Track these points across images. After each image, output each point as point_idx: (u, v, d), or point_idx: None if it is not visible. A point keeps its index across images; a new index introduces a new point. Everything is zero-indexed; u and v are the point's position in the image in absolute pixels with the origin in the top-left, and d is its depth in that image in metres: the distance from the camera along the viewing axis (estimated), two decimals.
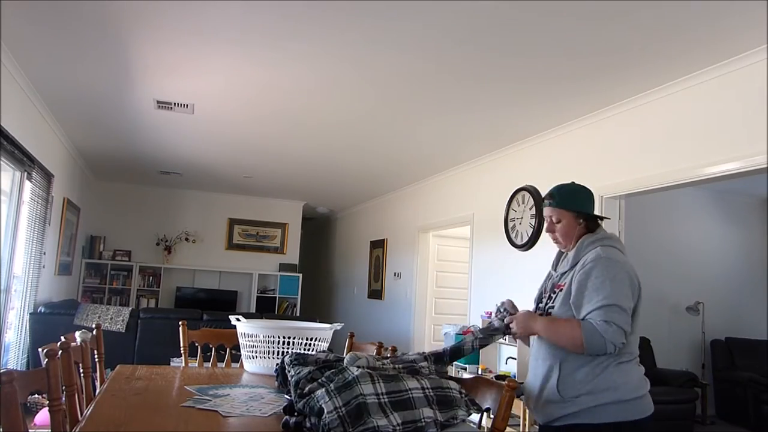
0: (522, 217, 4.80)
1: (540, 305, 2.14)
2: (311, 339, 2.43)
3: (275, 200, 9.12)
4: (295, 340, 2.37)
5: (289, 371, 1.76)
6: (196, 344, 3.01)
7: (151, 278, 8.39)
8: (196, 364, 2.88)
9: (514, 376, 4.33)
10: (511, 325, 2.07)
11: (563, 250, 2.16)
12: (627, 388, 1.87)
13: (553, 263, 2.21)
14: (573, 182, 2.23)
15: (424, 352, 1.99)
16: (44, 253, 5.28)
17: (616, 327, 1.80)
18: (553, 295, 2.05)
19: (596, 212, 2.18)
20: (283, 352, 2.33)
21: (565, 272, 2.05)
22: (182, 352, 2.94)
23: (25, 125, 4.19)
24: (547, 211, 2.15)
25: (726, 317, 6.20)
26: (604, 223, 2.15)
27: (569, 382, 1.89)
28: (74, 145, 6.02)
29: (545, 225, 2.18)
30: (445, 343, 4.90)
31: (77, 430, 1.45)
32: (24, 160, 4.22)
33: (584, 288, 1.90)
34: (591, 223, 2.12)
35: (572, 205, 2.10)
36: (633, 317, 1.89)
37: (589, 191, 2.19)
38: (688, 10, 2.55)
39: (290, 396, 1.66)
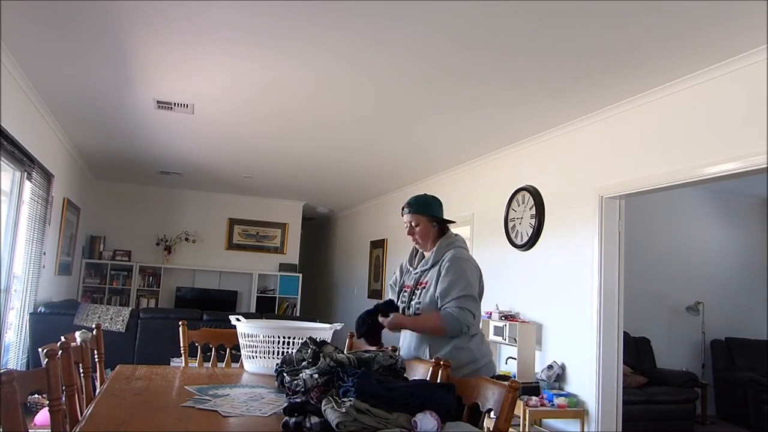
0: (522, 217, 4.80)
1: (403, 298, 2.59)
2: None
3: (275, 200, 9.11)
4: (295, 340, 2.37)
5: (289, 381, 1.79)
6: (196, 344, 3.01)
7: (151, 278, 8.39)
8: (196, 364, 2.88)
9: (514, 376, 4.33)
10: (385, 325, 2.51)
11: (421, 250, 2.64)
12: (481, 358, 2.43)
13: (408, 259, 2.71)
14: (425, 193, 2.72)
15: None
16: (44, 253, 5.28)
17: (468, 311, 2.37)
18: (418, 291, 2.53)
19: (446, 217, 2.65)
20: (283, 352, 2.33)
21: (426, 270, 2.53)
22: (182, 352, 2.94)
23: (25, 125, 4.19)
24: (406, 218, 2.62)
25: (726, 317, 6.19)
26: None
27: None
28: (74, 145, 6.02)
29: (406, 229, 2.64)
30: None
31: (77, 430, 1.45)
32: (24, 160, 4.22)
33: (445, 283, 2.41)
34: (442, 227, 2.61)
35: (426, 211, 2.59)
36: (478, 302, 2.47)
37: (439, 200, 2.66)
38: (689, 10, 2.55)
39: (290, 397, 1.67)
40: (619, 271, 3.90)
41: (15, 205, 4.33)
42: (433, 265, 2.50)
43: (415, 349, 2.49)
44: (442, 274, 2.43)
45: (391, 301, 2.63)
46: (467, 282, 2.41)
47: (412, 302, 2.53)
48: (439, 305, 2.41)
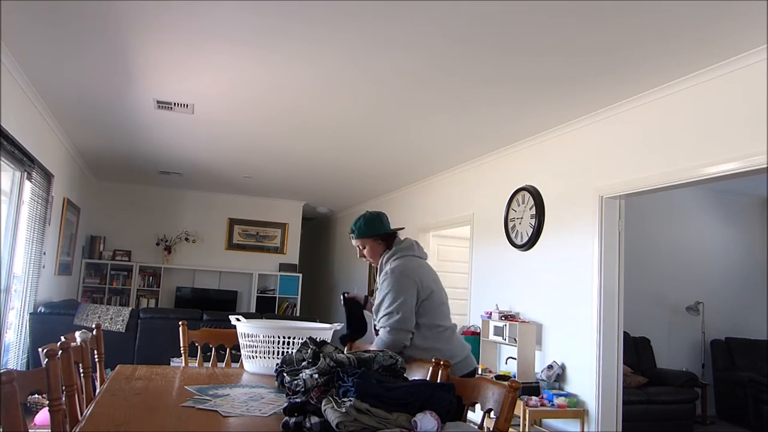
0: (522, 217, 4.80)
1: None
2: None
3: (275, 200, 9.12)
4: (295, 340, 2.37)
5: (291, 381, 1.79)
6: (196, 344, 3.01)
7: (151, 278, 8.39)
8: (196, 364, 2.88)
9: (514, 376, 4.33)
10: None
11: (376, 266, 2.69)
12: (454, 356, 2.40)
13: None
14: (366, 212, 2.72)
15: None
16: (44, 253, 5.28)
17: (397, 330, 2.39)
18: (374, 307, 2.57)
19: (394, 227, 2.70)
20: (283, 352, 2.33)
21: (378, 288, 2.58)
22: (182, 352, 2.94)
23: (25, 125, 4.19)
24: (354, 242, 2.70)
25: (726, 317, 6.20)
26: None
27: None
28: (74, 145, 6.02)
29: (357, 252, 2.72)
30: None
31: (77, 430, 1.45)
32: (24, 160, 4.22)
33: (377, 300, 2.49)
34: (389, 239, 2.65)
35: (368, 233, 2.64)
36: (427, 303, 2.47)
37: (380, 215, 2.68)
38: (688, 10, 2.55)
39: (290, 397, 1.66)
40: (619, 271, 3.90)
41: (15, 205, 4.33)
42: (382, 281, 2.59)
43: None
44: (378, 293, 2.52)
45: (354, 297, 2.81)
46: (394, 298, 2.43)
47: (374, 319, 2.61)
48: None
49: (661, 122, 3.50)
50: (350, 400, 1.45)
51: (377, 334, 2.51)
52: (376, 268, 2.73)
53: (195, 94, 4.13)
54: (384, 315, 2.44)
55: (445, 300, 2.62)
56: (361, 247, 2.69)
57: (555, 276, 4.35)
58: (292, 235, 9.23)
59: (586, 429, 3.89)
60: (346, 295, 2.81)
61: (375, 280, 2.77)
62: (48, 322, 5.12)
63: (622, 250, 3.93)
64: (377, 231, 2.64)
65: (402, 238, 2.69)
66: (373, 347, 2.44)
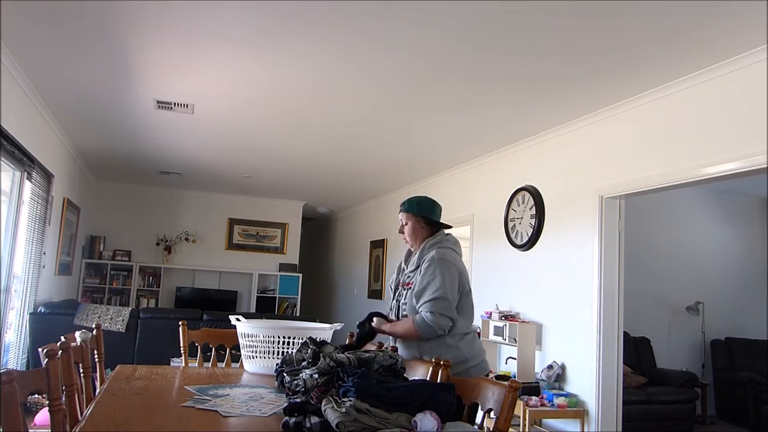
0: (522, 217, 4.80)
1: (399, 297, 2.61)
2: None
3: (275, 200, 9.12)
4: (295, 340, 2.37)
5: (291, 381, 1.79)
6: (196, 344, 3.01)
7: (151, 278, 8.39)
8: (196, 364, 2.88)
9: (514, 376, 4.33)
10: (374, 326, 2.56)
11: (411, 249, 2.66)
12: (472, 358, 2.42)
13: (404, 258, 2.71)
14: (426, 196, 2.73)
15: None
16: (44, 253, 5.27)
17: (440, 315, 2.35)
18: (405, 292, 2.55)
19: (444, 221, 2.68)
20: (283, 352, 2.33)
21: (413, 271, 2.54)
22: (182, 352, 2.94)
23: (25, 125, 4.19)
24: (399, 216, 2.68)
25: (726, 317, 6.19)
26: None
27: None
28: (74, 145, 6.02)
29: (398, 227, 2.69)
30: None
31: (77, 430, 1.45)
32: (24, 160, 4.22)
33: (421, 284, 2.43)
34: (433, 228, 2.62)
35: (417, 211, 2.61)
36: (463, 302, 2.46)
37: (435, 203, 2.68)
38: (688, 11, 2.55)
39: (290, 397, 1.66)
40: (619, 271, 3.90)
41: (15, 205, 4.33)
42: (418, 266, 2.52)
43: (406, 349, 2.51)
44: (420, 275, 2.45)
45: (379, 313, 2.66)
46: (442, 284, 2.38)
47: (401, 302, 2.57)
48: (416, 305, 2.43)
49: (661, 122, 3.50)
50: (350, 400, 1.45)
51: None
52: (409, 252, 2.68)
53: (195, 94, 4.13)
54: (430, 299, 2.37)
55: (473, 304, 2.58)
56: (404, 222, 2.63)
57: (555, 276, 4.35)
58: (292, 235, 9.23)
59: (586, 429, 3.89)
60: (373, 319, 2.61)
61: (403, 267, 2.70)
62: (48, 322, 5.12)
63: (622, 250, 3.93)
64: (426, 213, 2.61)
65: (446, 233, 2.64)
66: (408, 324, 2.40)
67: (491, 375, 4.56)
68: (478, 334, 5.03)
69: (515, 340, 4.39)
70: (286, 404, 1.63)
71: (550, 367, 4.22)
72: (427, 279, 2.41)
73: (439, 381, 1.91)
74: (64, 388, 1.78)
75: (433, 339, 2.40)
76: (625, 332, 3.98)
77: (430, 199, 2.69)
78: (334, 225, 10.80)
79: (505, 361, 4.73)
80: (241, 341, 2.47)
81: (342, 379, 1.60)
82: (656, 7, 2.54)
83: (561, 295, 4.26)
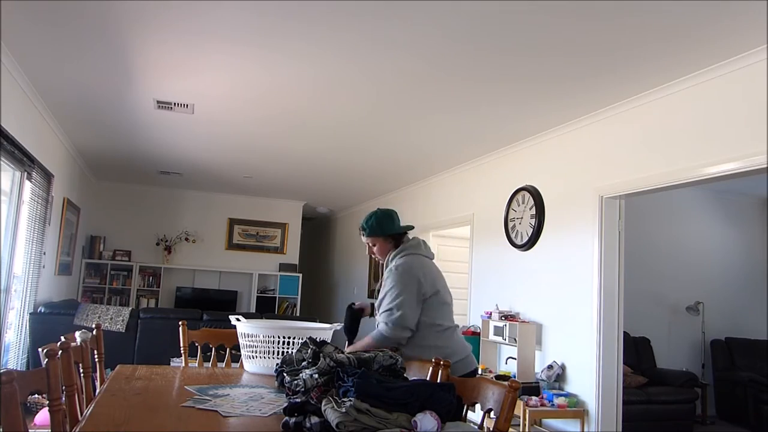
0: (522, 217, 4.80)
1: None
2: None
3: (275, 200, 9.12)
4: (295, 340, 2.37)
5: (291, 381, 1.79)
6: (196, 344, 3.01)
7: (151, 278, 8.39)
8: (196, 364, 2.88)
9: (514, 376, 4.33)
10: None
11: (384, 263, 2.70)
12: (453, 354, 2.40)
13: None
14: (377, 210, 2.74)
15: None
16: (44, 253, 5.28)
17: (395, 326, 2.40)
18: (377, 302, 2.59)
19: (403, 225, 2.71)
20: (283, 352, 2.33)
21: (382, 283, 2.60)
22: (182, 352, 2.94)
23: (25, 125, 4.19)
24: (363, 240, 2.72)
25: (726, 317, 6.20)
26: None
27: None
28: (74, 145, 6.02)
29: (366, 249, 2.74)
30: None
31: (77, 430, 1.45)
32: (24, 160, 4.22)
33: (381, 297, 2.51)
34: (399, 238, 2.67)
35: (379, 232, 2.65)
36: (432, 301, 2.49)
37: (391, 213, 2.71)
38: (688, 11, 2.55)
39: (290, 397, 1.66)
40: (619, 271, 3.90)
41: (15, 205, 4.33)
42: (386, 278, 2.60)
43: None
44: (382, 288, 2.54)
45: (353, 303, 2.83)
46: (397, 294, 2.44)
47: (375, 314, 2.64)
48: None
49: (661, 122, 3.50)
50: (350, 400, 1.45)
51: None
52: (383, 264, 2.74)
53: (195, 94, 4.13)
54: (385, 311, 2.45)
55: (449, 301, 2.62)
56: (370, 245, 2.70)
57: (555, 276, 4.35)
58: (292, 235, 9.23)
59: (586, 429, 3.89)
60: (353, 306, 2.82)
61: (381, 276, 2.74)
62: (48, 322, 5.12)
63: (622, 250, 3.93)
64: (388, 230, 2.65)
65: (410, 237, 2.70)
66: (368, 339, 2.46)
67: (491, 375, 4.56)
68: (476, 333, 5.04)
69: (515, 340, 4.39)
70: (286, 404, 1.63)
71: (550, 367, 4.22)
72: (384, 291, 2.50)
73: (439, 381, 1.91)
74: (64, 388, 1.78)
75: (410, 341, 2.46)
76: (625, 332, 3.98)
77: (385, 211, 2.73)
78: (334, 225, 10.80)
79: (505, 361, 4.73)
80: (241, 341, 2.47)
81: (342, 379, 1.60)
82: (656, 7, 2.54)
83: (561, 295, 4.26)
